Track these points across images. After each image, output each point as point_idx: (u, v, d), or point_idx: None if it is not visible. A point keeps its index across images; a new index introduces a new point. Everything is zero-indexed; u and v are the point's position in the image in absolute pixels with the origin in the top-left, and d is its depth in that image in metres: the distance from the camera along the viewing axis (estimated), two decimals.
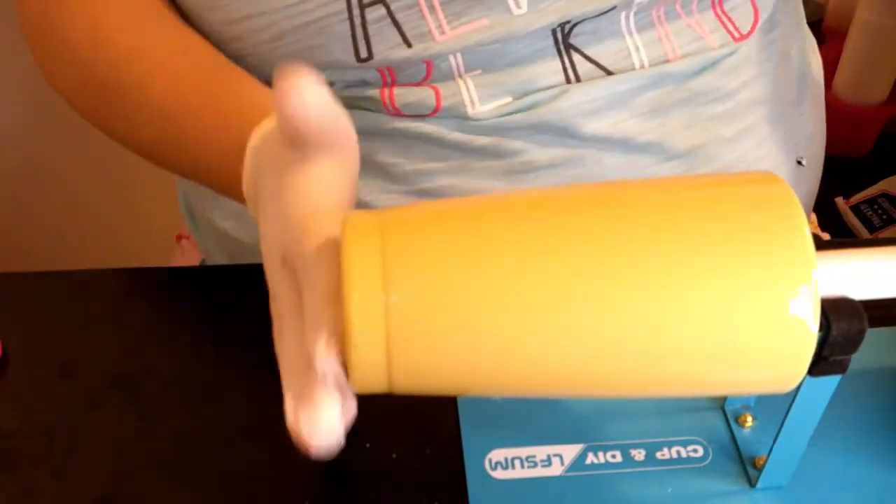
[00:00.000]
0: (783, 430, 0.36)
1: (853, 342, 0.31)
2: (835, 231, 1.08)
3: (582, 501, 0.39)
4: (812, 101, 0.60)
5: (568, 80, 0.49)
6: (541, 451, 0.41)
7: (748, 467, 0.40)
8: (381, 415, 0.42)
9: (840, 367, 0.32)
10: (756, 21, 0.53)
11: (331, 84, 0.49)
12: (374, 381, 0.30)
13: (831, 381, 0.33)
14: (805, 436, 0.36)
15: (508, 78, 0.49)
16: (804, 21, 0.60)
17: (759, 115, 0.55)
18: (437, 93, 0.48)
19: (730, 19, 0.52)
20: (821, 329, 0.30)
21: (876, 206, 1.11)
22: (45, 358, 0.46)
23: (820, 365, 0.31)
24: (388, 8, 0.45)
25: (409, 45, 0.46)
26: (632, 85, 0.50)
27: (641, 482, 0.39)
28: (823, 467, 0.40)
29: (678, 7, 0.50)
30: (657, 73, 0.50)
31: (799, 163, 0.59)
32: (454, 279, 0.29)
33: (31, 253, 1.04)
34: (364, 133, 0.49)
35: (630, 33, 0.49)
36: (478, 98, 0.49)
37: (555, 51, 0.49)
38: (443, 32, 0.46)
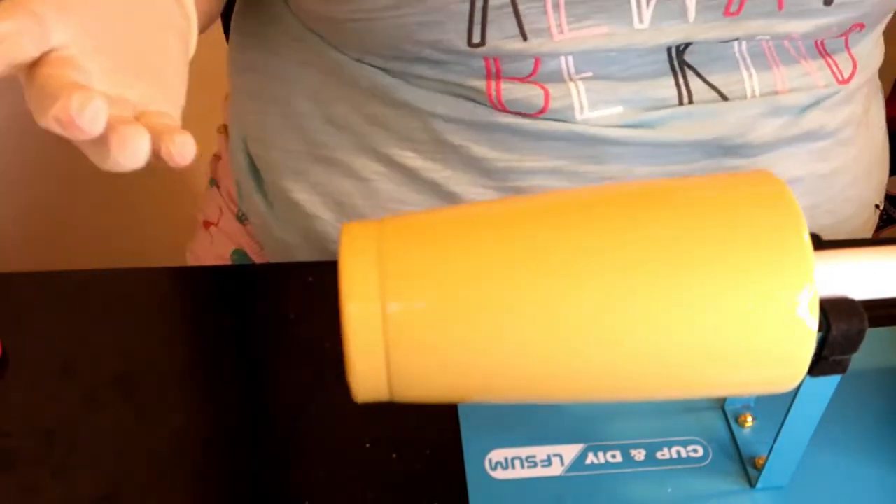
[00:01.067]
0: (783, 430, 0.36)
1: (853, 342, 0.31)
2: None
3: (582, 501, 0.39)
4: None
5: (681, 98, 0.49)
6: (541, 451, 0.41)
7: (748, 467, 0.40)
8: (381, 415, 0.42)
9: (840, 367, 0.32)
10: (855, 69, 0.53)
11: (435, 64, 0.48)
12: (375, 390, 0.30)
13: (831, 381, 0.33)
14: (805, 436, 0.36)
15: (621, 87, 0.49)
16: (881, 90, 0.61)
17: (853, 156, 0.55)
18: (546, 93, 0.48)
19: (834, 62, 0.52)
20: (821, 329, 0.30)
21: (876, 206, 1.11)
22: (45, 358, 0.46)
23: (820, 365, 0.31)
24: None
25: (525, 39, 0.45)
26: (748, 113, 0.50)
27: (641, 482, 0.39)
28: (823, 467, 0.40)
29: (786, 43, 0.50)
30: (770, 103, 0.50)
31: (877, 206, 0.60)
32: (452, 287, 0.29)
33: (31, 253, 1.04)
34: (463, 123, 0.50)
35: (743, 58, 0.50)
36: (587, 103, 0.49)
37: (668, 67, 0.49)
38: (561, 32, 0.45)
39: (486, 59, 0.47)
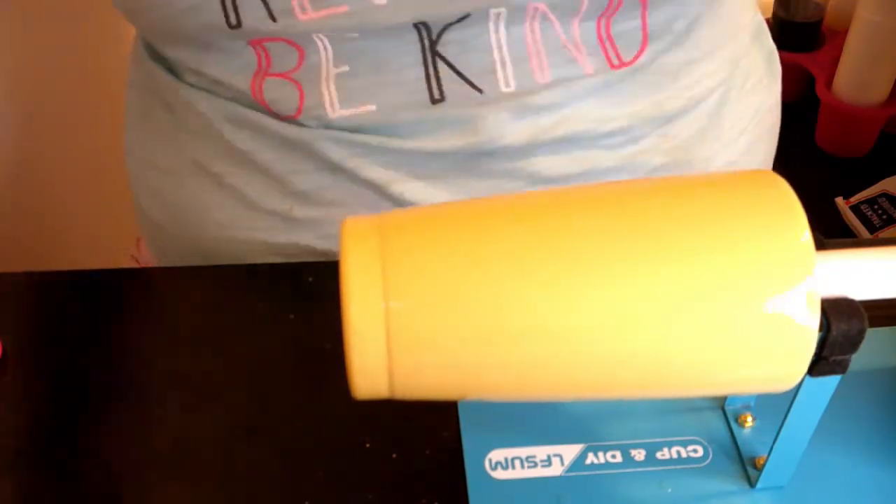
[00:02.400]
0: (783, 430, 0.36)
1: (853, 342, 0.31)
2: (835, 231, 1.08)
3: (582, 501, 0.39)
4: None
5: (431, 94, 0.48)
6: (541, 451, 0.41)
7: (748, 467, 0.40)
8: (381, 415, 0.42)
9: (840, 367, 0.32)
10: (643, 49, 0.49)
11: (215, 54, 0.49)
12: (375, 387, 0.30)
13: (831, 381, 0.33)
14: (805, 436, 0.36)
15: (374, 82, 0.48)
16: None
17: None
18: (300, 92, 0.49)
19: (612, 44, 0.49)
20: (821, 329, 0.30)
21: (876, 206, 1.11)
22: (45, 358, 0.46)
23: (820, 365, 0.31)
24: None
25: (274, 20, 0.45)
26: (501, 115, 0.48)
27: (641, 482, 0.39)
28: (823, 467, 0.40)
29: (544, 24, 0.47)
30: (520, 102, 0.48)
31: None
32: (454, 283, 0.29)
33: (31, 253, 1.04)
34: (248, 129, 0.51)
35: (499, 47, 0.47)
36: (338, 100, 0.49)
37: (420, 58, 0.47)
38: (304, 11, 0.45)
39: (255, 48, 0.48)
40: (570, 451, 0.41)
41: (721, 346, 0.30)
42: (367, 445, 0.41)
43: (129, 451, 0.42)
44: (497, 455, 0.41)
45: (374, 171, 0.51)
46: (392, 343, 0.29)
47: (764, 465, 0.38)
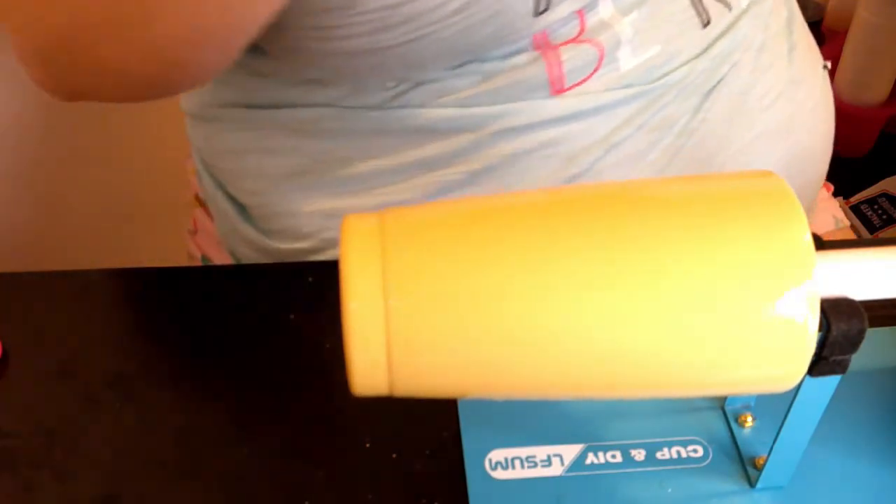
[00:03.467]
0: (783, 430, 0.36)
1: (853, 342, 0.31)
2: None
3: (582, 501, 0.39)
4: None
5: (701, 19, 0.49)
6: (541, 451, 0.41)
7: (748, 467, 0.40)
8: (381, 415, 0.42)
9: (840, 367, 0.32)
10: None
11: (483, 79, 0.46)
12: (375, 384, 0.30)
13: (831, 381, 0.33)
14: (805, 436, 0.36)
15: (656, 26, 0.48)
16: None
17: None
18: (600, 51, 0.47)
19: None
20: (821, 329, 0.30)
21: (876, 206, 1.11)
22: (45, 358, 0.46)
23: (820, 365, 0.31)
24: None
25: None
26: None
27: (641, 482, 0.39)
28: (823, 467, 0.40)
29: None
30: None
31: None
32: (454, 282, 0.29)
33: (31, 253, 1.04)
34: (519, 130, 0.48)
35: None
36: (630, 47, 0.47)
37: None
38: None
39: (535, 35, 0.45)
40: (571, 451, 0.41)
41: (721, 346, 0.30)
42: (368, 445, 0.41)
43: (129, 451, 0.42)
44: (497, 455, 0.41)
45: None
46: (392, 341, 0.29)
47: (764, 465, 0.38)
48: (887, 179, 1.12)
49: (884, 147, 1.17)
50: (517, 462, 0.40)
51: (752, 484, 0.39)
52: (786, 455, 0.38)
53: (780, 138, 0.55)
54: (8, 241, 1.07)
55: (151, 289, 0.51)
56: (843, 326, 0.30)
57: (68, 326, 0.48)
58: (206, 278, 0.52)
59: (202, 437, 0.42)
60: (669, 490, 0.39)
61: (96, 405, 0.44)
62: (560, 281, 0.29)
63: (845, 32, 1.14)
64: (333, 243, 0.54)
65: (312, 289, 0.49)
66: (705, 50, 0.50)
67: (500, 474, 0.40)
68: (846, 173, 1.13)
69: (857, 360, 0.32)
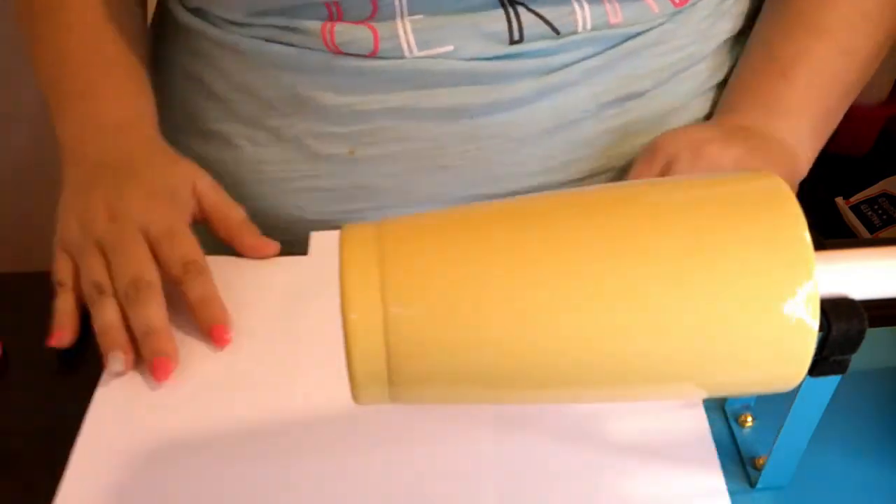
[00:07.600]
0: (783, 430, 0.36)
1: (853, 342, 0.31)
2: (835, 231, 1.08)
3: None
4: None
5: (511, 35, 0.51)
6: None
7: (748, 467, 0.40)
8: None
9: (840, 367, 0.32)
10: None
11: (264, 14, 0.51)
12: (375, 393, 0.30)
13: (831, 381, 0.33)
14: (805, 436, 0.36)
15: (451, 22, 0.50)
16: None
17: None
18: (375, 34, 0.50)
19: None
20: (821, 329, 0.30)
21: (876, 206, 1.11)
22: (45, 358, 0.46)
23: (820, 365, 0.31)
24: None
25: None
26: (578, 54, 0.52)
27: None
28: (823, 467, 0.40)
29: None
30: (599, 36, 0.52)
31: None
32: (452, 290, 0.29)
33: (31, 253, 1.04)
34: (307, 72, 0.52)
35: None
36: (416, 42, 0.51)
37: (499, 1, 0.50)
38: None
39: (326, 3, 0.50)
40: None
41: (722, 346, 0.30)
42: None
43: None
44: None
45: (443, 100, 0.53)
46: (391, 350, 0.29)
47: (764, 465, 0.38)
48: (887, 179, 1.12)
49: (884, 147, 1.17)
50: None
51: (752, 484, 0.39)
52: (786, 455, 0.38)
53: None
54: (8, 241, 1.07)
55: None
56: (843, 326, 0.30)
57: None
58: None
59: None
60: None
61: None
62: (559, 288, 0.29)
63: None
64: None
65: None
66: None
67: None
68: (846, 173, 1.13)
69: (857, 360, 0.32)
